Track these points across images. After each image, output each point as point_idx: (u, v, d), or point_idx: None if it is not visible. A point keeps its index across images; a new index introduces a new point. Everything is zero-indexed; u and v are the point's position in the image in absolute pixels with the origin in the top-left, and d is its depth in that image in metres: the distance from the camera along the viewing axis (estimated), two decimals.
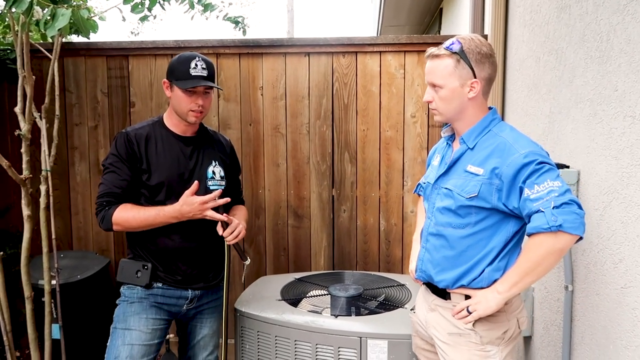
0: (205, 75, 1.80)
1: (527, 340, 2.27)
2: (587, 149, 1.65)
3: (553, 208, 1.29)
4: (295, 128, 2.90)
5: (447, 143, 1.64)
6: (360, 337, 1.88)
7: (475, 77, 1.45)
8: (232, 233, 1.80)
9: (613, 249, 1.49)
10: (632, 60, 1.38)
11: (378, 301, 2.16)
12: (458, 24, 4.17)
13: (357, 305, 2.08)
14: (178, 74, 1.79)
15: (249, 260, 1.92)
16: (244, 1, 15.00)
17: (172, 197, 1.81)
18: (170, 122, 1.89)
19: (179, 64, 1.80)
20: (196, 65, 1.78)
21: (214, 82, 1.85)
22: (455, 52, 1.45)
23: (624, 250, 1.43)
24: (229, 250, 1.86)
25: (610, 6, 1.50)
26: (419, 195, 1.77)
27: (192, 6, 2.83)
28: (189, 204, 1.74)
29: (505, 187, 1.39)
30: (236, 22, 3.20)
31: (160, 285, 1.84)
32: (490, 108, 1.55)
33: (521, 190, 1.36)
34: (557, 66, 1.90)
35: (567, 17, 1.81)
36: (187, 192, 1.75)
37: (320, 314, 2.03)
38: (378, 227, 2.91)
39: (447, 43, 1.47)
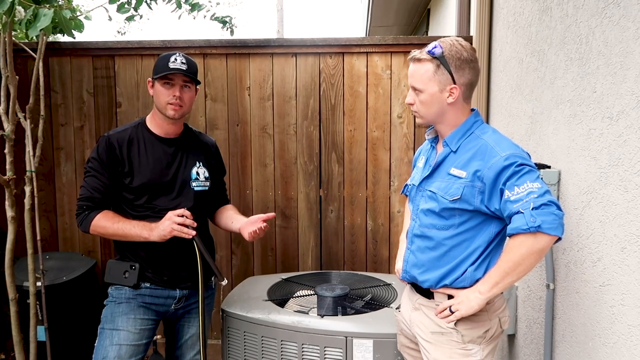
0: (184, 69, 1.79)
1: (511, 338, 2.29)
2: (568, 149, 1.68)
3: (532, 209, 1.31)
4: (283, 128, 2.91)
5: (431, 145, 1.65)
6: (346, 337, 1.89)
7: (454, 83, 1.46)
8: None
9: (592, 247, 1.52)
10: (609, 63, 1.41)
11: (364, 301, 2.17)
12: (445, 24, 4.20)
13: (343, 305, 2.09)
14: (158, 69, 1.80)
15: (225, 281, 1.90)
16: (232, 1, 14.89)
17: (155, 199, 1.82)
18: (154, 122, 1.88)
19: (160, 59, 1.82)
20: (175, 59, 1.79)
21: (194, 77, 1.83)
22: (435, 57, 1.45)
23: (602, 249, 1.46)
24: (201, 253, 1.83)
25: (589, 9, 1.52)
26: (406, 195, 1.78)
27: (179, 6, 2.82)
28: (165, 218, 1.75)
29: (487, 189, 1.41)
30: (224, 22, 3.20)
31: (148, 285, 1.84)
32: (472, 110, 1.56)
33: (502, 192, 1.38)
34: (539, 67, 1.93)
35: (548, 19, 1.84)
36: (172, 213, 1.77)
37: (307, 314, 2.04)
38: (365, 227, 2.93)
39: (429, 47, 1.48)
